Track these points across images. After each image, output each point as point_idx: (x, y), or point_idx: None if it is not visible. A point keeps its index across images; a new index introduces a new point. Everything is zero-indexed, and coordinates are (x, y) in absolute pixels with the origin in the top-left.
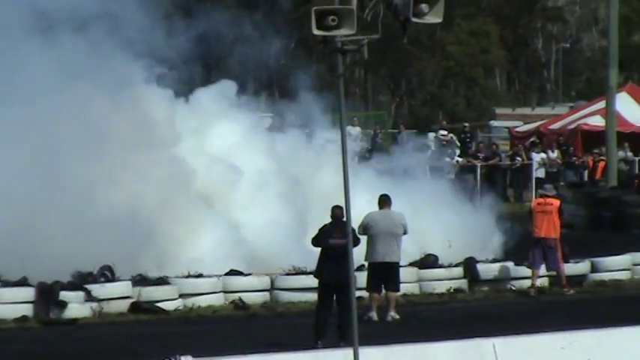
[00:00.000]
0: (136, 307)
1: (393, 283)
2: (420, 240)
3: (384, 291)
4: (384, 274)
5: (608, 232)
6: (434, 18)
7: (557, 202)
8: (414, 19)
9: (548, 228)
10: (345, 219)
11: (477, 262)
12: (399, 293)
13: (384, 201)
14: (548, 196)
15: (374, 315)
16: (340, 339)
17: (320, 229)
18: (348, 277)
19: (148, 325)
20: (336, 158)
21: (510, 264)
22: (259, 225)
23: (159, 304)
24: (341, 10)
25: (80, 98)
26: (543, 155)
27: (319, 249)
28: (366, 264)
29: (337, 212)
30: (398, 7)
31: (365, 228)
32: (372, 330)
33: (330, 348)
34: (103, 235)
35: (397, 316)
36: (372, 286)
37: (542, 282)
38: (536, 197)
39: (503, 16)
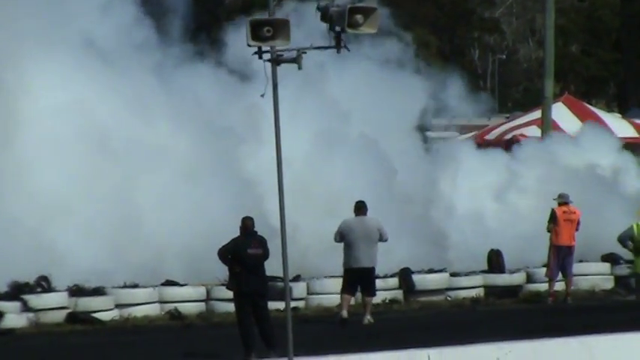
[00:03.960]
0: (73, 317)
1: (369, 288)
2: None
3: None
4: (360, 279)
5: None
6: (369, 29)
7: (578, 211)
8: (349, 30)
9: (570, 236)
10: (255, 229)
11: (412, 272)
12: (374, 298)
13: (360, 207)
14: (568, 204)
15: (344, 313)
16: (269, 348)
17: (233, 241)
18: (265, 287)
19: (85, 336)
20: None
21: (446, 274)
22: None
23: (95, 315)
24: (276, 22)
25: None
26: None
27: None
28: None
29: (248, 223)
30: (333, 17)
31: (341, 234)
32: (307, 339)
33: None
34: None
35: (372, 320)
36: (345, 288)
37: (478, 292)
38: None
39: (439, 27)
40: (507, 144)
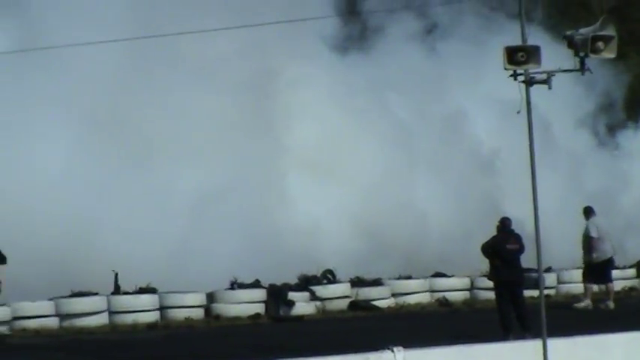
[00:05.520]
0: (354, 305)
1: (610, 276)
2: None
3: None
4: (605, 269)
5: None
6: (608, 54)
7: None
8: (592, 55)
9: None
10: (512, 228)
11: None
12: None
13: (591, 211)
14: None
15: (589, 303)
16: (524, 330)
17: (493, 238)
18: (522, 277)
19: (364, 321)
20: None
21: None
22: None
23: (374, 302)
24: (529, 48)
25: None
26: None
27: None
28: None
29: (507, 223)
30: (578, 45)
31: (596, 233)
32: (557, 323)
33: (520, 340)
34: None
35: (612, 306)
36: (589, 279)
37: None
38: None
39: None
40: None
